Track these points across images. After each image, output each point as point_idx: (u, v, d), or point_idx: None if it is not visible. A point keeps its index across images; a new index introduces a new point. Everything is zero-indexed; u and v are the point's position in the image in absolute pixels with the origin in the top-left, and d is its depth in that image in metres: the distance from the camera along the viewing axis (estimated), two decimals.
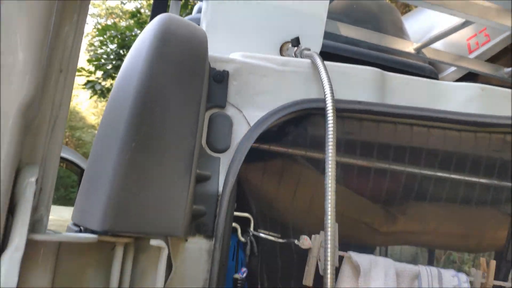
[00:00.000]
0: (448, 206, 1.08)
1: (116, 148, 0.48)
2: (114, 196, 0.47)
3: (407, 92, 0.90)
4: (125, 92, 0.59)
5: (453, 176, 0.95)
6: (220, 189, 0.68)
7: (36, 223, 0.39)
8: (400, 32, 1.68)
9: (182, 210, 0.53)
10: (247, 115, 0.77)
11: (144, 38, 0.58)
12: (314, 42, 1.08)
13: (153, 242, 0.48)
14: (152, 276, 0.51)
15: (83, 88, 6.77)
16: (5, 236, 0.36)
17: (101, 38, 6.57)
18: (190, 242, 0.66)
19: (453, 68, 1.67)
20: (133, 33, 6.11)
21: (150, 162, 0.52)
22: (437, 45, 1.71)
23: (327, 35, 1.40)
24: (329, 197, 0.69)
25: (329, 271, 0.69)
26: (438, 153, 0.94)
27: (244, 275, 0.73)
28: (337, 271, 0.82)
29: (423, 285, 0.82)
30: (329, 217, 0.70)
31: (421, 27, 1.88)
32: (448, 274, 0.84)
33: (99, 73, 6.44)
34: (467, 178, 0.97)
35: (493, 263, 0.88)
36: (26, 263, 0.38)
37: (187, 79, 0.59)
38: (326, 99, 0.71)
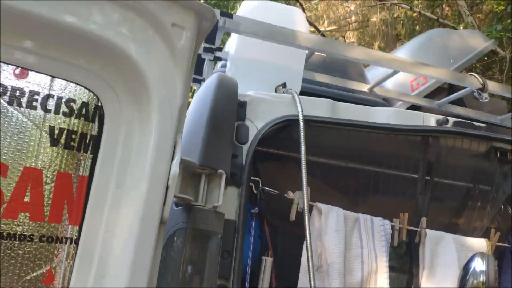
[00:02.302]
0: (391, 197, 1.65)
1: (202, 126, 1.10)
2: (205, 151, 1.07)
3: (349, 114, 1.50)
4: (202, 111, 1.20)
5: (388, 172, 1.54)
6: (243, 162, 1.27)
7: None
8: (361, 77, 2.33)
9: (228, 163, 1.13)
10: (257, 125, 1.36)
11: (209, 84, 1.20)
12: (295, 85, 1.71)
13: (220, 171, 1.06)
14: (216, 193, 1.08)
15: None
16: None
17: None
18: (228, 189, 1.23)
19: (400, 102, 2.28)
20: None
21: (218, 139, 1.12)
22: (390, 85, 2.36)
23: (308, 81, 2.04)
24: (304, 174, 1.27)
25: (306, 210, 1.25)
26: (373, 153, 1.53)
27: (257, 211, 1.30)
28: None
29: (361, 224, 1.38)
30: (304, 182, 1.27)
31: (380, 73, 2.53)
32: (377, 219, 1.40)
33: None
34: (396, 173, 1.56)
35: (406, 214, 1.45)
36: None
37: (230, 104, 1.21)
38: (299, 113, 1.31)
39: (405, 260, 1.57)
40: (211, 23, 1.01)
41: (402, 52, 2.68)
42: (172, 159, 0.93)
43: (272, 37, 1.52)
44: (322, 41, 1.62)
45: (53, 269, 0.83)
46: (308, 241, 1.13)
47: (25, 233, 0.80)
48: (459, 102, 2.31)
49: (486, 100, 1.84)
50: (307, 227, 1.21)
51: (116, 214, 0.89)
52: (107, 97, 0.94)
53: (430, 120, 1.57)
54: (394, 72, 1.80)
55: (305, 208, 1.17)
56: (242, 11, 1.71)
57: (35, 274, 0.80)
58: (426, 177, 1.47)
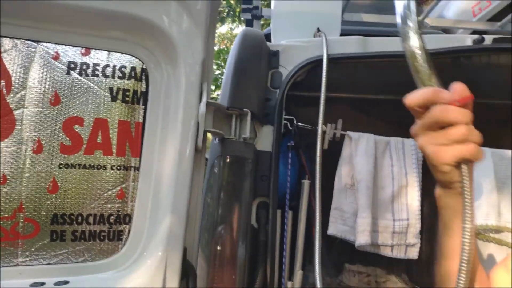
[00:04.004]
0: None
1: (229, 75, 1.28)
2: (232, 95, 1.25)
3: (381, 47, 1.52)
4: (231, 63, 1.37)
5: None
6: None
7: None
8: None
9: (255, 103, 1.29)
10: (289, 69, 1.49)
11: (237, 38, 1.37)
12: (334, 28, 1.76)
13: (245, 110, 1.24)
14: (245, 128, 1.26)
15: None
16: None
17: (217, 61, 7.85)
18: (264, 127, 1.40)
19: (461, 30, 2.13)
20: None
21: (246, 82, 1.29)
22: (451, 14, 2.22)
23: (357, 23, 2.05)
24: (321, 109, 1.37)
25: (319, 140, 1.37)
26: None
27: (293, 144, 1.46)
28: (341, 143, 1.49)
29: (392, 146, 1.44)
30: (321, 116, 1.38)
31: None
32: (409, 140, 1.44)
33: (218, 92, 7.70)
34: None
35: None
36: None
37: (254, 53, 1.36)
38: (323, 54, 1.40)
39: None
40: None
41: None
42: (200, 102, 1.13)
43: None
44: None
45: (123, 189, 1.11)
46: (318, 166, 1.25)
47: (100, 164, 1.09)
48: None
49: None
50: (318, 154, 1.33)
51: (163, 148, 1.13)
52: (150, 61, 1.17)
53: (467, 41, 1.51)
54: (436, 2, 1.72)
55: (318, 138, 1.27)
56: None
57: (110, 192, 1.09)
58: None
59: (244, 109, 1.25)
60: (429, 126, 0.66)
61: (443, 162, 0.66)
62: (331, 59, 1.41)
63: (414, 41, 0.67)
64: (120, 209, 1.10)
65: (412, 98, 0.67)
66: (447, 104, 0.64)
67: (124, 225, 1.11)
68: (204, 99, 1.14)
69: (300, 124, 1.47)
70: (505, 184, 1.40)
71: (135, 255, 1.09)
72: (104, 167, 1.09)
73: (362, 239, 1.31)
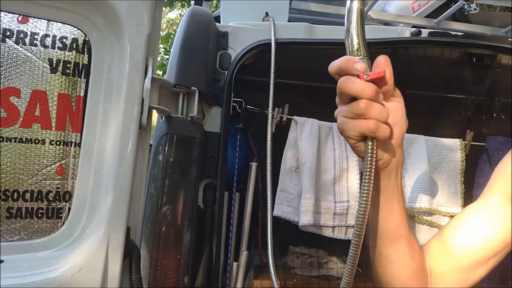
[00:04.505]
0: None
1: (176, 51, 1.27)
2: (179, 72, 1.24)
3: (325, 35, 1.58)
4: (178, 40, 1.36)
5: None
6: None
7: None
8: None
9: (203, 81, 1.30)
10: (237, 51, 1.51)
11: (184, 15, 1.36)
12: (282, 14, 1.80)
13: (193, 88, 1.24)
14: (192, 106, 1.26)
15: None
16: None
17: (166, 46, 7.64)
18: (213, 108, 1.41)
19: (401, 24, 2.27)
20: None
21: (193, 60, 1.29)
22: (392, 9, 2.34)
23: (306, 12, 2.11)
24: (271, 92, 1.40)
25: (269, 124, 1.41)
26: None
27: (241, 126, 1.48)
28: (287, 127, 1.54)
29: (334, 131, 1.51)
30: (271, 99, 1.41)
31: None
32: None
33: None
34: None
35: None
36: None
37: (201, 32, 1.36)
38: (271, 38, 1.43)
39: None
40: None
41: None
42: (145, 77, 1.12)
43: None
44: None
45: (63, 165, 1.07)
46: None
47: (38, 138, 1.04)
48: (463, 19, 2.25)
49: (475, 12, 1.81)
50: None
51: (106, 123, 1.10)
52: (92, 33, 1.13)
53: (405, 33, 1.61)
54: None
55: (269, 123, 1.30)
56: None
57: (48, 168, 1.05)
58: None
59: (192, 87, 1.25)
60: (340, 97, 0.65)
61: (345, 135, 0.65)
62: (278, 43, 1.44)
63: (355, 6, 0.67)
64: (59, 186, 1.06)
65: (331, 66, 0.65)
66: (354, 76, 0.62)
67: (64, 203, 1.07)
68: (149, 74, 1.12)
69: (248, 107, 1.49)
70: (437, 169, 1.52)
71: (75, 234, 1.06)
72: (43, 142, 1.05)
73: (305, 219, 1.37)
